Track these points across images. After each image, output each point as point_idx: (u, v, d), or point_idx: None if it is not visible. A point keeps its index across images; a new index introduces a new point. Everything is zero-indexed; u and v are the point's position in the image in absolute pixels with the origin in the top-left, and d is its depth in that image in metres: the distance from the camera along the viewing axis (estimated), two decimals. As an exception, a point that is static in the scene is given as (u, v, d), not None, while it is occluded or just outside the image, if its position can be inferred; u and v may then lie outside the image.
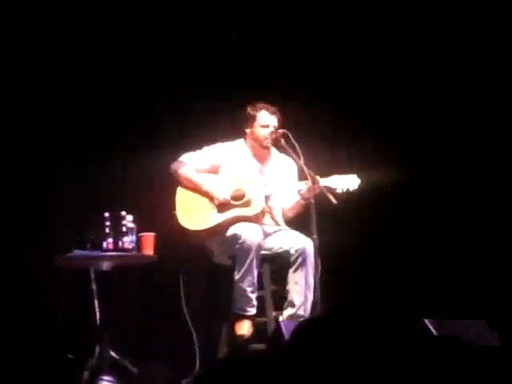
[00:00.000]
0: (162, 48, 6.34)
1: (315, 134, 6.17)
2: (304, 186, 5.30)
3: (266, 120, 5.45)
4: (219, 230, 5.36)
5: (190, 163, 5.50)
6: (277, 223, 5.53)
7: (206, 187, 5.45)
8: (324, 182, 5.26)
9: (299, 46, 6.48)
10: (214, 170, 5.53)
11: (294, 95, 6.19)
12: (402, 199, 6.46)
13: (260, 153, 5.56)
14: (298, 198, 5.40)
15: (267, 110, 5.46)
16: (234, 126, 5.67)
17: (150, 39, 6.30)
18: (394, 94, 6.55)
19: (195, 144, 5.61)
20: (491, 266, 6.45)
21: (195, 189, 5.47)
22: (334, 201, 5.13)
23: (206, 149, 5.56)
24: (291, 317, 5.22)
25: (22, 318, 5.92)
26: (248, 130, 5.53)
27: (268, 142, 5.45)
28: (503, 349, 4.56)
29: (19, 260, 6.04)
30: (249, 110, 5.50)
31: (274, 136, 5.42)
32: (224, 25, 6.40)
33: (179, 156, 5.52)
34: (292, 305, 5.26)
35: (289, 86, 6.28)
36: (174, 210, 5.42)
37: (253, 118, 5.47)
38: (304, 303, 5.25)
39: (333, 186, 5.25)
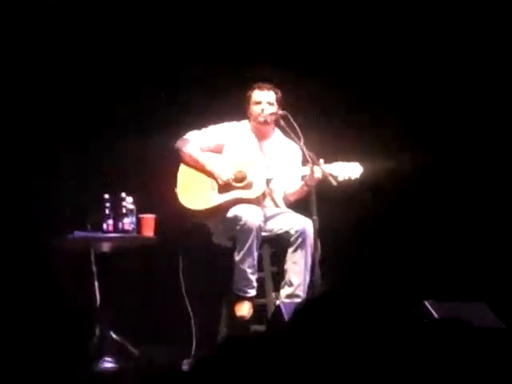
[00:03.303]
0: (159, 32, 6.31)
1: (318, 120, 6.17)
2: (307, 170, 5.30)
3: (257, 97, 5.49)
4: (219, 210, 5.37)
5: (195, 141, 5.51)
6: (277, 205, 5.53)
7: (208, 167, 5.45)
8: (326, 168, 5.27)
9: (306, 31, 6.45)
10: (218, 150, 5.54)
11: (297, 80, 6.16)
12: (403, 183, 6.45)
13: (261, 131, 5.57)
14: (300, 183, 5.41)
15: (259, 87, 5.51)
16: (235, 107, 5.66)
17: (148, 27, 6.28)
18: (400, 82, 6.52)
19: (196, 124, 5.60)
20: (491, 247, 6.46)
21: (198, 168, 5.48)
22: (334, 182, 5.13)
23: (211, 127, 5.57)
24: (289, 296, 5.24)
25: (21, 299, 5.93)
26: (248, 112, 5.55)
27: (264, 117, 5.45)
28: (504, 330, 4.57)
29: (19, 241, 6.04)
30: (246, 92, 5.54)
31: (274, 116, 5.43)
32: (225, 10, 6.38)
33: (183, 134, 5.53)
34: (290, 284, 5.27)
35: (294, 71, 6.26)
36: (175, 187, 5.43)
37: (249, 98, 5.53)
38: (303, 284, 5.26)
39: (335, 173, 5.26)
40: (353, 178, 5.32)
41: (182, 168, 5.50)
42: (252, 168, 5.44)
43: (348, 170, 5.32)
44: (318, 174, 5.24)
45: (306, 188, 5.37)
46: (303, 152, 5.29)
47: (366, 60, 6.50)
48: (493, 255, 6.44)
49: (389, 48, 6.52)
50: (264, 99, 5.48)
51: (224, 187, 5.41)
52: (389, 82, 6.51)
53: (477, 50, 6.48)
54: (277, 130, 5.59)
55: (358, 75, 6.48)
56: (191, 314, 5.57)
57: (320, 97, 6.37)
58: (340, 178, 5.27)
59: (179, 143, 5.52)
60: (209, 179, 5.45)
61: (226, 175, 5.41)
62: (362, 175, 5.35)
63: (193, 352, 5.47)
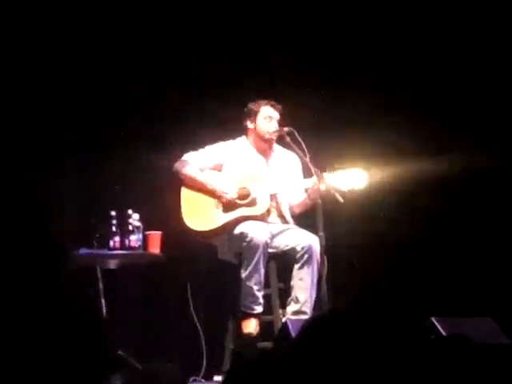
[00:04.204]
0: (163, 45, 6.33)
1: (322, 125, 6.18)
2: (310, 183, 5.31)
3: (268, 112, 5.49)
4: (225, 229, 5.36)
5: (194, 162, 5.49)
6: (284, 220, 5.53)
7: (211, 186, 5.44)
8: (329, 179, 5.24)
9: (307, 35, 6.46)
10: (217, 169, 5.53)
11: (300, 85, 6.17)
12: (409, 196, 6.44)
13: (264, 148, 5.57)
14: (304, 195, 5.42)
15: (270, 104, 5.50)
16: (236, 123, 5.67)
17: (150, 37, 6.29)
18: (407, 84, 6.52)
19: (199, 142, 5.61)
20: (497, 263, 6.44)
21: (200, 188, 5.46)
22: (340, 199, 5.12)
23: (208, 148, 5.56)
24: (295, 313, 5.23)
25: (26, 315, 5.93)
26: (251, 126, 5.54)
27: (271, 134, 5.46)
28: (510, 346, 4.56)
29: (25, 258, 6.04)
30: (251, 105, 5.54)
31: (278, 133, 5.44)
32: (227, 19, 6.40)
33: (182, 155, 5.52)
34: (296, 300, 5.26)
35: (295, 76, 6.27)
36: (180, 210, 5.42)
37: (255, 113, 5.51)
38: (309, 300, 5.25)
39: (337, 184, 5.23)
40: (356, 188, 5.28)
41: (184, 191, 5.49)
42: (255, 184, 5.43)
43: (351, 180, 5.27)
44: (322, 187, 5.24)
45: (309, 202, 5.37)
46: (308, 168, 5.28)
47: (367, 62, 6.51)
48: (498, 270, 6.43)
49: (387, 44, 6.53)
50: (274, 116, 5.48)
51: (228, 205, 5.40)
52: (395, 85, 6.52)
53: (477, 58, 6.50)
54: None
55: (359, 76, 6.47)
56: (201, 332, 5.57)
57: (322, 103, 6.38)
58: (343, 189, 5.23)
59: (178, 165, 5.49)
60: (212, 199, 5.44)
61: (229, 193, 5.41)
62: (367, 185, 5.30)
63: (203, 369, 5.47)
